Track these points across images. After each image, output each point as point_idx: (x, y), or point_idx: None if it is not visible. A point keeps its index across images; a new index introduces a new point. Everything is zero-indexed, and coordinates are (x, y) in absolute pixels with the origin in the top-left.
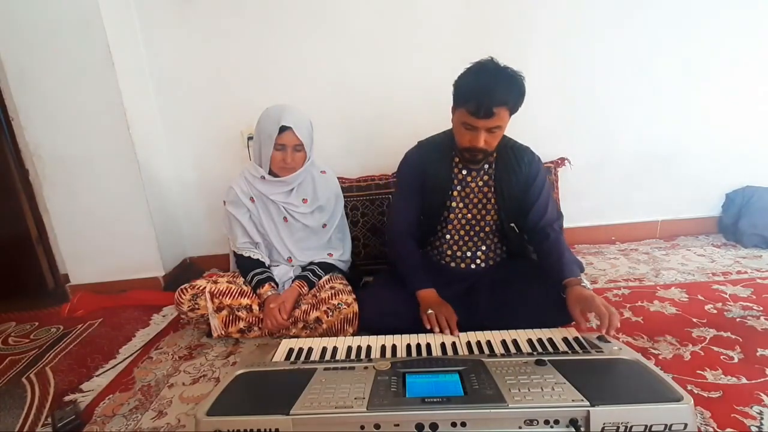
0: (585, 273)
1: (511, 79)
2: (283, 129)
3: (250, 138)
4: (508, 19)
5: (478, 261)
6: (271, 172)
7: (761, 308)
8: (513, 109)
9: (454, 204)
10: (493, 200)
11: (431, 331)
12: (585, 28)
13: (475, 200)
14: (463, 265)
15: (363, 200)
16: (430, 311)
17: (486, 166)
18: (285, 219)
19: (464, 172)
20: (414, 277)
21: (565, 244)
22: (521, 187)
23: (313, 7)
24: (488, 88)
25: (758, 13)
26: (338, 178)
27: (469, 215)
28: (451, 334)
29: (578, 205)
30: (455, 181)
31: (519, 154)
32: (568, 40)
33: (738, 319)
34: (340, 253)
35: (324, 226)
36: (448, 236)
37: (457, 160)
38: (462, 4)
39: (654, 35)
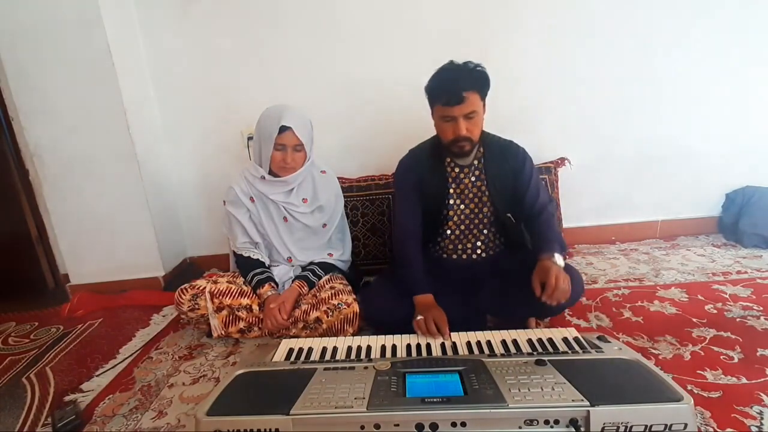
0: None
1: (472, 67)
2: (283, 129)
3: (250, 138)
4: (507, 20)
5: (478, 251)
6: (271, 172)
7: (761, 308)
8: (482, 92)
9: (452, 201)
10: (487, 193)
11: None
12: (585, 28)
13: (471, 195)
14: (464, 256)
15: (363, 200)
16: (419, 317)
17: (476, 162)
18: (285, 219)
19: (457, 170)
20: (414, 283)
21: (553, 225)
22: (510, 177)
23: (314, 7)
24: (453, 77)
25: (758, 14)
26: (338, 178)
27: (467, 210)
28: (443, 337)
29: (578, 205)
30: (450, 179)
31: (504, 147)
32: (568, 40)
33: (738, 319)
34: (340, 253)
35: (324, 226)
36: (449, 231)
37: (448, 160)
38: (461, 6)
39: (654, 35)
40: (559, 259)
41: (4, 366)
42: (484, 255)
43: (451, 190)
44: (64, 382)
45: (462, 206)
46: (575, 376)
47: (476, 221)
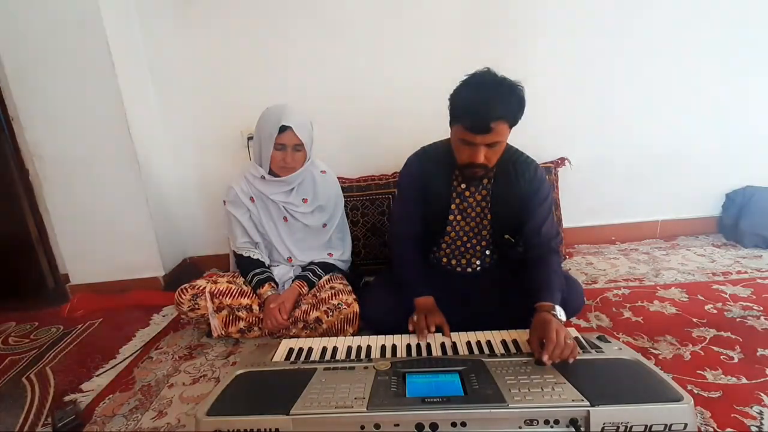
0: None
1: (509, 91)
2: (283, 129)
3: (250, 138)
4: (509, 20)
5: (473, 266)
6: (271, 172)
7: (761, 308)
8: (512, 123)
9: (451, 217)
10: (489, 216)
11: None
12: (585, 29)
13: (473, 214)
14: (459, 269)
15: (363, 200)
16: (415, 317)
17: (485, 181)
18: (285, 219)
19: (463, 185)
20: (413, 285)
21: (556, 266)
22: (518, 204)
23: (315, 7)
24: (484, 103)
25: (757, 14)
26: (338, 178)
27: (467, 227)
28: (445, 335)
29: (578, 205)
30: (454, 194)
31: (520, 170)
32: (568, 40)
33: (738, 319)
34: (340, 253)
35: (324, 225)
36: (444, 245)
37: (457, 173)
38: (463, 6)
39: (654, 35)
40: (560, 312)
41: (4, 366)
42: (479, 269)
43: (453, 206)
44: (64, 382)
45: (462, 222)
46: (575, 376)
47: (474, 241)
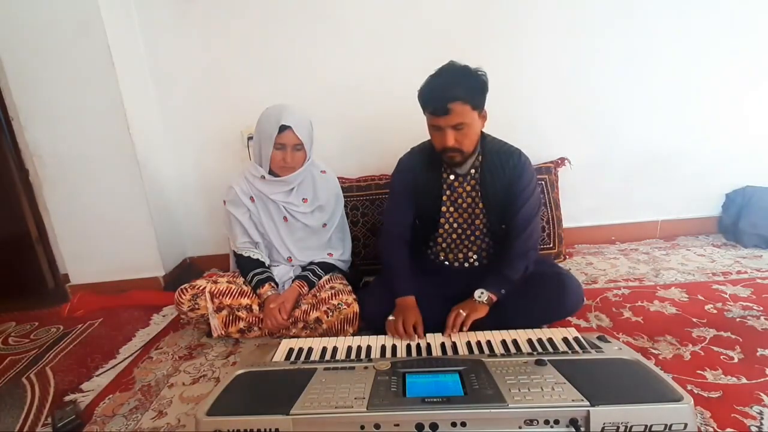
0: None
1: (466, 75)
2: (283, 128)
3: (250, 138)
4: (508, 21)
5: (470, 260)
6: (271, 172)
7: (761, 308)
8: (473, 103)
9: (444, 209)
10: (480, 205)
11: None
12: (585, 29)
13: (464, 205)
14: (456, 264)
15: (363, 200)
16: (390, 318)
17: (472, 170)
18: (285, 219)
19: (452, 177)
20: (397, 284)
21: (516, 256)
22: (505, 191)
23: (314, 7)
24: (440, 86)
25: (757, 12)
26: (338, 178)
27: (460, 219)
28: (419, 337)
29: (578, 205)
30: (444, 186)
31: (504, 158)
32: (568, 40)
33: (738, 319)
34: (340, 253)
35: (324, 225)
36: (440, 239)
37: (445, 165)
38: (462, 6)
39: (653, 35)
40: (479, 294)
41: (4, 366)
42: (477, 264)
43: (445, 198)
44: (64, 382)
45: (455, 214)
46: (575, 376)
47: (468, 232)
